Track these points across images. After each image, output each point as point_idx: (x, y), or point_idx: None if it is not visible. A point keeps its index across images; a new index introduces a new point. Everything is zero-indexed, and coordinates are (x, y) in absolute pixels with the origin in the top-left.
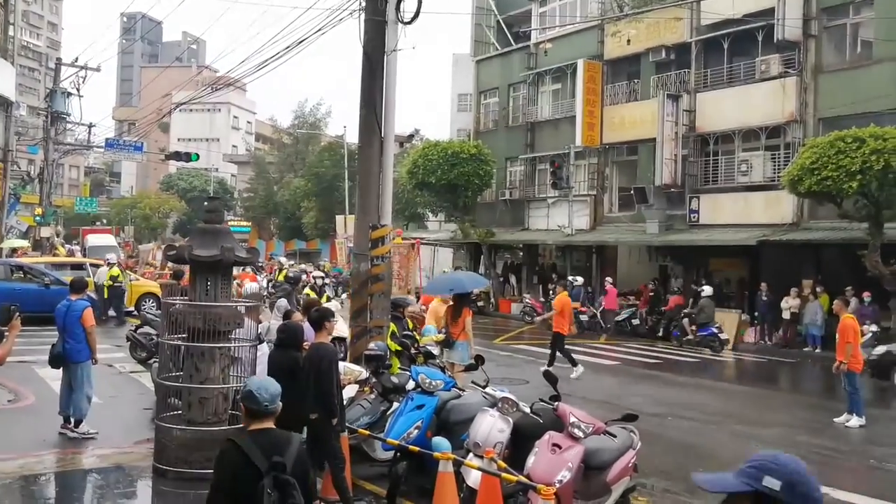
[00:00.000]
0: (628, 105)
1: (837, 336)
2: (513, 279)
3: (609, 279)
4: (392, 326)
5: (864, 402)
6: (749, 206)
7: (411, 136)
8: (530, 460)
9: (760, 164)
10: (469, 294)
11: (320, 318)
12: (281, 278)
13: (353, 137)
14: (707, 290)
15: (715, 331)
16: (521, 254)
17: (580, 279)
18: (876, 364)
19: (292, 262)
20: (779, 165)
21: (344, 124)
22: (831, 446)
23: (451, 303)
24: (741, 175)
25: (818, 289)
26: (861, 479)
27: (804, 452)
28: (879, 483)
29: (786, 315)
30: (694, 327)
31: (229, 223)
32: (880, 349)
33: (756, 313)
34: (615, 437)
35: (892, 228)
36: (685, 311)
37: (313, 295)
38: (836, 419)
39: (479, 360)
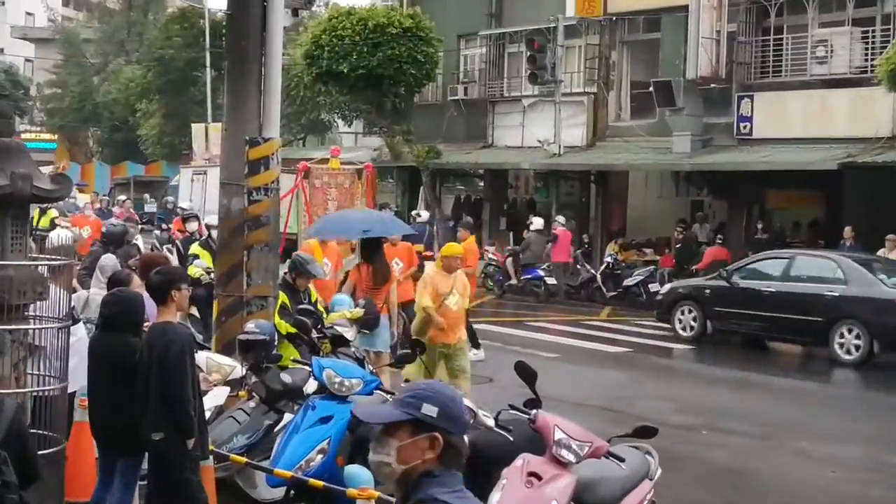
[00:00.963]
0: None
1: None
2: (468, 222)
3: (560, 219)
4: (282, 297)
5: None
6: (828, 112)
7: (311, 1)
8: (495, 498)
9: (846, 47)
10: (382, 241)
11: (165, 284)
12: (45, 224)
13: (218, 1)
14: (537, 222)
15: (541, 273)
16: (483, 184)
17: (425, 213)
18: (660, 304)
19: (124, 198)
20: (873, 49)
21: None
22: None
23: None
24: (817, 63)
25: None
26: None
27: None
28: None
29: None
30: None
31: (23, 136)
32: (665, 287)
33: None
34: (622, 461)
35: None
36: (508, 248)
37: (207, 255)
38: None
39: (418, 347)
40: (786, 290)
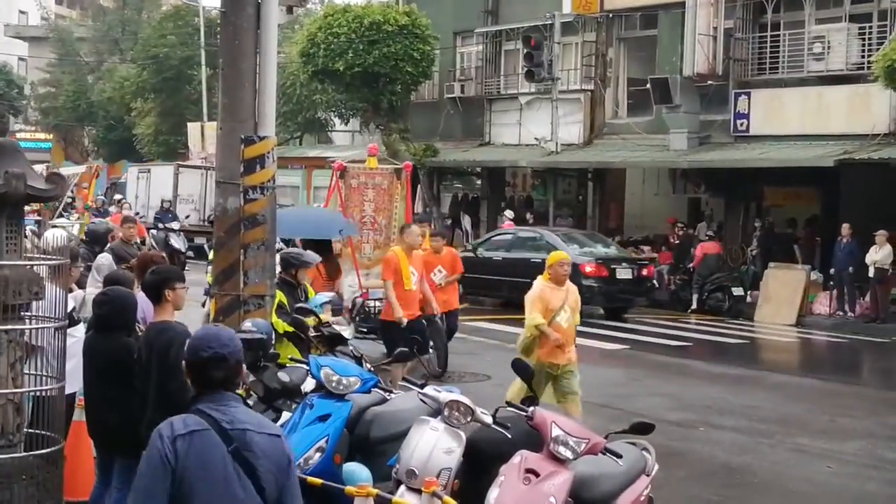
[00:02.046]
0: None
1: None
2: (466, 221)
3: (508, 214)
4: (279, 296)
5: None
6: (824, 109)
7: None
8: (493, 495)
9: (843, 44)
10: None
11: (160, 283)
12: None
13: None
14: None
15: None
16: (480, 182)
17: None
18: None
19: (121, 198)
20: (870, 46)
21: None
22: None
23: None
24: (814, 60)
25: None
26: None
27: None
28: None
29: (872, 272)
30: None
31: (18, 135)
32: None
33: (832, 270)
34: (620, 457)
35: None
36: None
37: None
38: None
39: (415, 345)
40: (508, 258)
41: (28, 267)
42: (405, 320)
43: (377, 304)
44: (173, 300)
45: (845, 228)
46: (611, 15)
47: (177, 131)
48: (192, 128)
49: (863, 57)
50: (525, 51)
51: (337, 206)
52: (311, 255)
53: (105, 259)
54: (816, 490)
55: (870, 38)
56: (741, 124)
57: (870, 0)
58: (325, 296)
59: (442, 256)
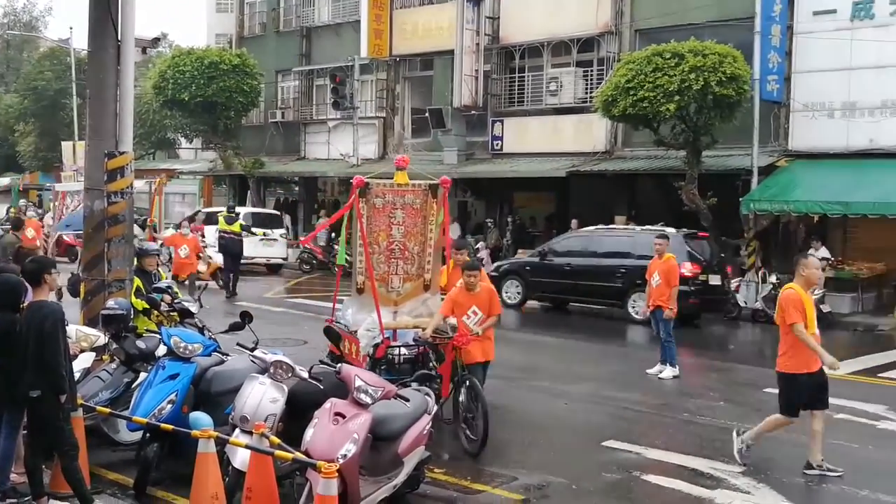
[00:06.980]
0: (422, 9)
1: (658, 278)
2: (287, 220)
3: (324, 213)
4: (137, 281)
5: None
6: (558, 132)
7: (157, 41)
8: (309, 433)
9: (571, 83)
10: None
11: (38, 270)
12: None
13: (81, 42)
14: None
15: None
16: (298, 188)
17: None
18: None
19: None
20: (591, 84)
21: (70, 25)
22: (642, 400)
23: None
24: (550, 95)
25: (631, 225)
26: (674, 434)
27: (613, 409)
28: (693, 438)
29: None
30: None
31: None
32: None
33: None
34: (408, 401)
35: (711, 157)
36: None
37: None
38: (648, 370)
39: (246, 317)
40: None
41: None
42: (837, 365)
43: (404, 351)
44: (49, 283)
45: (574, 223)
46: (398, 59)
47: (53, 149)
48: (66, 146)
49: (586, 93)
50: (332, 86)
51: (356, 231)
52: (150, 245)
53: None
54: (556, 422)
55: (591, 80)
56: (497, 144)
57: (591, 50)
58: (167, 282)
59: (476, 294)
